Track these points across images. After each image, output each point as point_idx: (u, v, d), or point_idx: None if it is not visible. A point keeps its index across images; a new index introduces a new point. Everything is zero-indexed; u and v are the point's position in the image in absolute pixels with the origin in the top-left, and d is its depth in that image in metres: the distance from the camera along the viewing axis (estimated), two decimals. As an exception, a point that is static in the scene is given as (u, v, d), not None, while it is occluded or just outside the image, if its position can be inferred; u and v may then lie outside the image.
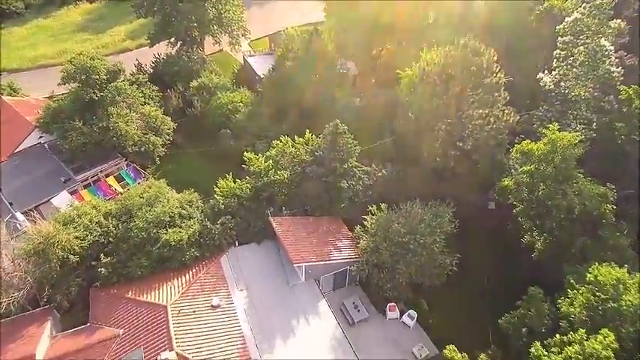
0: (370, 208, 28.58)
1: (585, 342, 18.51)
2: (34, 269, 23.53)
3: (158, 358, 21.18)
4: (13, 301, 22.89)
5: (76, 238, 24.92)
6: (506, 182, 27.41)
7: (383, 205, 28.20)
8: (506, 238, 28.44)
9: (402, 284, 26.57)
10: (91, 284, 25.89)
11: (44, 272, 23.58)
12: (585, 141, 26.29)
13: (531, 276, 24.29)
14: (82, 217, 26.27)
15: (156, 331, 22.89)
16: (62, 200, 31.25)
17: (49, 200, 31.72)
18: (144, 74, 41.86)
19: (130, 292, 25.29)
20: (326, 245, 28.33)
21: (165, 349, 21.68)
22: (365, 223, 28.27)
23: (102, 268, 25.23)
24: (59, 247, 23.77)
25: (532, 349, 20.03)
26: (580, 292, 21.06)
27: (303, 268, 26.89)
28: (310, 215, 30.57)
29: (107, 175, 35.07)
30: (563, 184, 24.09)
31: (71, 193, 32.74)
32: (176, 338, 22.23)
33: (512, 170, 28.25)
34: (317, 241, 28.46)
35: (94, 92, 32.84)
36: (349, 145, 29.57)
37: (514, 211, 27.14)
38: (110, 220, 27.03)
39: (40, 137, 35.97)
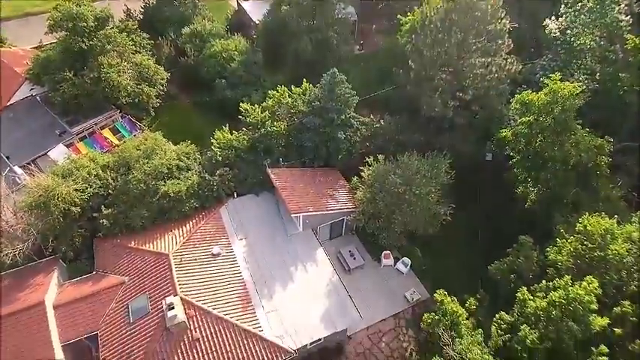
0: (367, 159, 28.69)
1: (570, 287, 19.16)
2: (36, 221, 23.90)
3: (163, 302, 22.05)
4: (19, 253, 23.49)
5: (76, 190, 25.14)
6: (504, 133, 27.30)
7: (380, 157, 28.28)
8: (500, 189, 28.79)
9: (396, 233, 27.25)
10: (94, 235, 26.47)
11: (47, 224, 23.99)
12: (587, 91, 25.84)
13: (523, 226, 24.85)
14: (80, 169, 26.35)
15: (159, 278, 23.71)
16: (59, 153, 31.17)
17: (45, 153, 31.59)
18: (133, 21, 40.13)
19: (132, 242, 25.96)
20: (323, 196, 28.74)
21: (169, 295, 22.51)
22: (362, 174, 28.49)
23: (103, 220, 25.68)
24: (60, 199, 24.01)
25: (518, 293, 20.92)
26: (569, 241, 21.67)
27: (301, 218, 27.43)
28: (308, 166, 30.71)
29: (102, 128, 34.69)
30: (561, 136, 24.03)
31: (67, 146, 32.54)
32: (179, 284, 23.06)
33: (512, 121, 28.02)
34: (314, 191, 28.82)
35: (83, 41, 31.64)
36: (347, 95, 29.10)
37: (510, 162, 27.28)
38: (108, 173, 27.15)
39: (32, 89, 35.10)
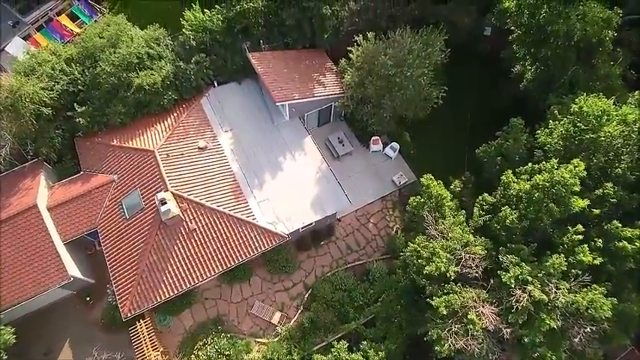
0: (356, 37, 26.27)
1: (555, 170, 18.95)
2: (9, 125, 22.86)
3: (155, 198, 22.36)
4: (-1, 158, 23.15)
5: (43, 89, 23.45)
6: (507, 4, 24.39)
7: (370, 35, 25.81)
8: (495, 68, 27.07)
9: (386, 118, 26.50)
10: (73, 135, 25.65)
11: (21, 127, 22.98)
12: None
13: (516, 110, 23.79)
14: (42, 65, 24.12)
15: (148, 175, 23.70)
16: (17, 47, 28.17)
17: (3, 49, 28.58)
18: None
19: (115, 140, 25.30)
20: (309, 81, 27.14)
21: (160, 191, 22.77)
22: (350, 54, 26.40)
23: (79, 118, 24.54)
24: (27, 99, 22.58)
25: (503, 176, 20.77)
26: (561, 122, 21.04)
27: (287, 106, 26.35)
28: (291, 49, 28.33)
29: (58, 14, 30.71)
30: (568, 6, 21.48)
31: (24, 39, 29.30)
32: (169, 180, 23.13)
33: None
34: (300, 77, 27.13)
35: None
36: (331, -38, 25.27)
37: (510, 37, 25.04)
38: (74, 67, 24.97)
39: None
